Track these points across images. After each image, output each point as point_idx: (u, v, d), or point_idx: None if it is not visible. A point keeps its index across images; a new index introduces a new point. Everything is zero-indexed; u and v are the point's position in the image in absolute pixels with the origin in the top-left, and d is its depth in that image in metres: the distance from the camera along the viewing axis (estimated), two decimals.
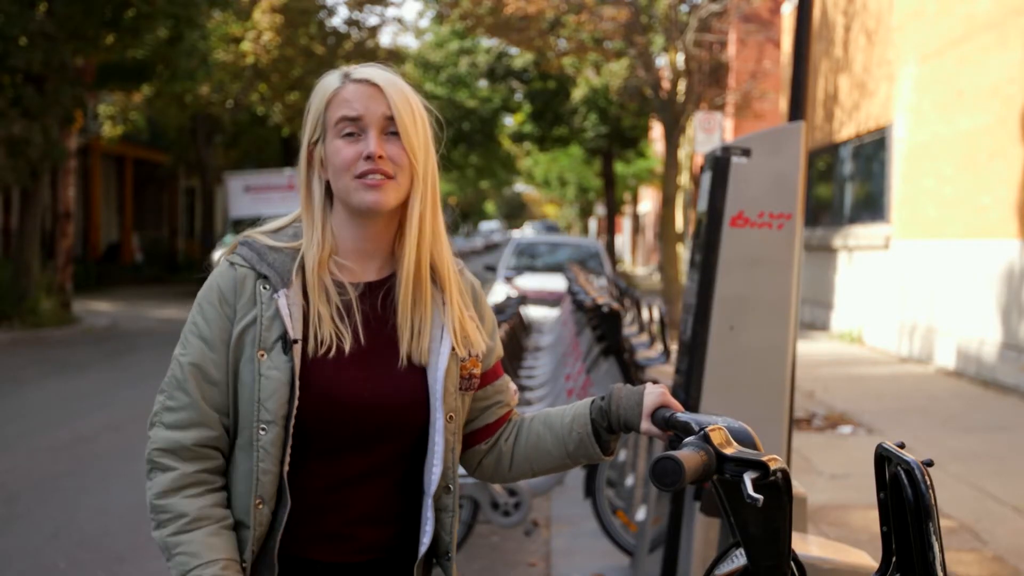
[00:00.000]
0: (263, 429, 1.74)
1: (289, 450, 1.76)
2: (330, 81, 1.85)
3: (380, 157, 1.79)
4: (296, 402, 1.75)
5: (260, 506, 1.75)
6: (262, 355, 1.75)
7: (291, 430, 1.75)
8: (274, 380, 1.75)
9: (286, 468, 1.77)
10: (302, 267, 1.82)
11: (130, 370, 12.38)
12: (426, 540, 1.83)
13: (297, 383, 1.75)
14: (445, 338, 1.85)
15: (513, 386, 2.01)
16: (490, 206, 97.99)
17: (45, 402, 10.16)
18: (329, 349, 1.78)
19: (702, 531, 3.59)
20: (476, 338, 1.90)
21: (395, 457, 1.84)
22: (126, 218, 30.23)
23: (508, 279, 15.37)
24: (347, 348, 1.79)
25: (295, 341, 1.76)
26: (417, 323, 1.84)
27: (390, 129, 1.81)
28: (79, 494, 6.70)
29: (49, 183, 18.76)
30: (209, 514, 1.75)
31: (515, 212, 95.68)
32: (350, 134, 1.80)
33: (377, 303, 1.85)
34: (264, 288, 1.79)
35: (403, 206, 1.85)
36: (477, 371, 1.89)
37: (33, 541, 5.77)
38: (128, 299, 23.04)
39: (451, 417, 1.84)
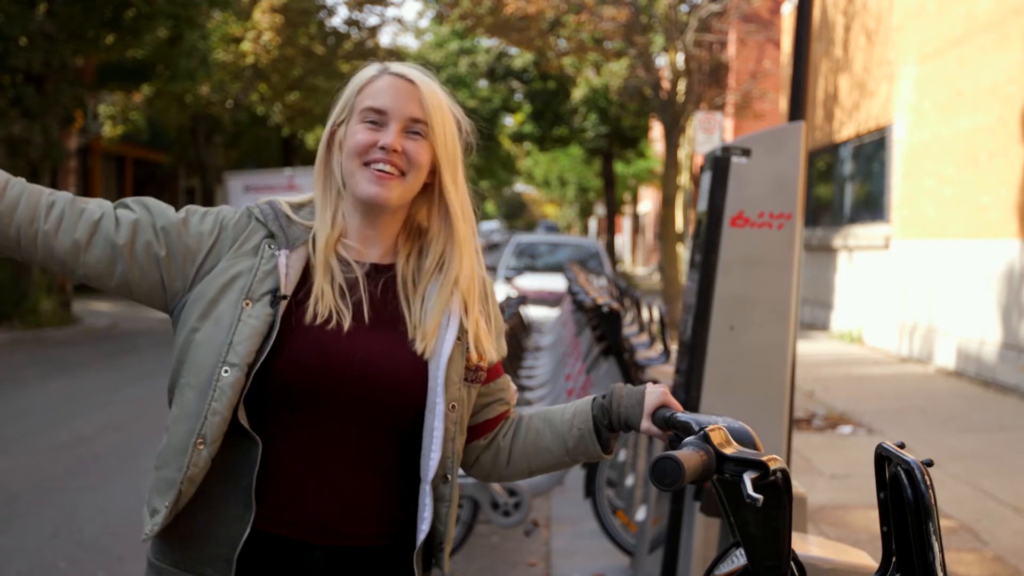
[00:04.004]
0: (226, 371, 1.74)
1: (242, 395, 1.74)
2: (368, 71, 1.88)
3: (395, 151, 1.80)
4: (264, 353, 1.74)
5: (200, 446, 1.73)
6: (247, 304, 1.77)
7: (250, 378, 1.74)
8: (250, 327, 1.75)
9: (242, 414, 1.75)
10: (312, 245, 1.84)
11: (130, 370, 12.38)
12: (424, 527, 1.82)
13: (273, 335, 1.75)
14: (451, 325, 1.85)
15: (513, 386, 2.02)
16: (490, 206, 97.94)
17: (45, 402, 10.16)
18: (327, 321, 1.79)
19: (702, 531, 3.59)
20: (487, 347, 1.91)
21: (390, 442, 1.83)
22: None
23: (508, 279, 15.38)
24: (346, 324, 1.80)
25: (284, 297, 1.77)
26: (423, 312, 1.85)
27: (413, 129, 1.83)
28: (79, 494, 6.70)
29: (49, 183, 18.75)
30: None
31: (515, 212, 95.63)
32: (372, 122, 1.82)
33: (379, 286, 1.86)
34: (269, 245, 1.81)
35: (412, 204, 1.88)
36: (484, 364, 1.90)
37: (33, 541, 5.77)
38: (128, 299, 23.01)
39: (453, 407, 1.83)
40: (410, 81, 1.83)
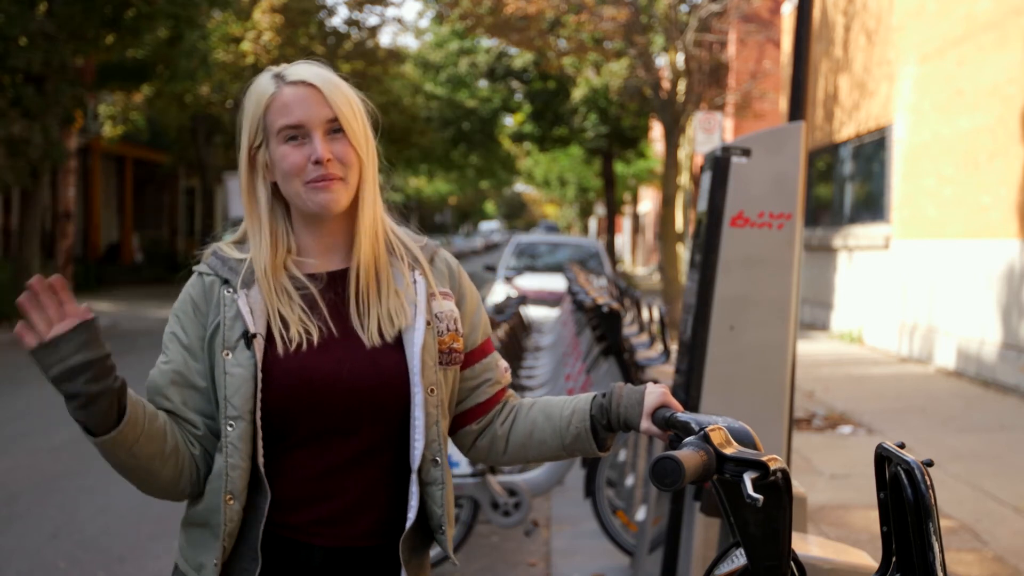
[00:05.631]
0: (230, 425, 1.77)
1: (260, 443, 1.78)
2: (264, 85, 1.86)
3: (328, 160, 1.81)
4: (259, 395, 1.77)
5: (231, 501, 1.77)
6: (227, 354, 1.79)
7: (258, 423, 1.77)
8: (237, 377, 1.77)
9: (260, 461, 1.78)
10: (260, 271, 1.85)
11: (130, 370, 12.23)
12: (411, 516, 1.83)
13: (259, 376, 1.77)
14: (420, 313, 1.86)
15: (503, 363, 2.02)
16: (490, 206, 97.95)
17: (45, 402, 10.11)
18: (300, 344, 1.81)
19: (702, 531, 3.59)
20: (459, 326, 1.92)
21: (383, 439, 1.85)
22: (126, 218, 30.24)
23: (508, 279, 15.37)
24: (316, 339, 1.81)
25: (254, 335, 1.78)
26: (387, 305, 1.86)
27: (333, 128, 1.83)
28: (79, 494, 6.70)
29: (49, 183, 18.77)
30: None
31: (515, 212, 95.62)
32: (294, 138, 1.83)
33: (343, 291, 1.87)
34: (227, 292, 1.83)
35: (354, 199, 1.88)
36: (458, 345, 1.91)
37: (33, 541, 5.77)
38: (128, 299, 23.04)
39: (432, 390, 1.84)
40: (312, 86, 1.83)
